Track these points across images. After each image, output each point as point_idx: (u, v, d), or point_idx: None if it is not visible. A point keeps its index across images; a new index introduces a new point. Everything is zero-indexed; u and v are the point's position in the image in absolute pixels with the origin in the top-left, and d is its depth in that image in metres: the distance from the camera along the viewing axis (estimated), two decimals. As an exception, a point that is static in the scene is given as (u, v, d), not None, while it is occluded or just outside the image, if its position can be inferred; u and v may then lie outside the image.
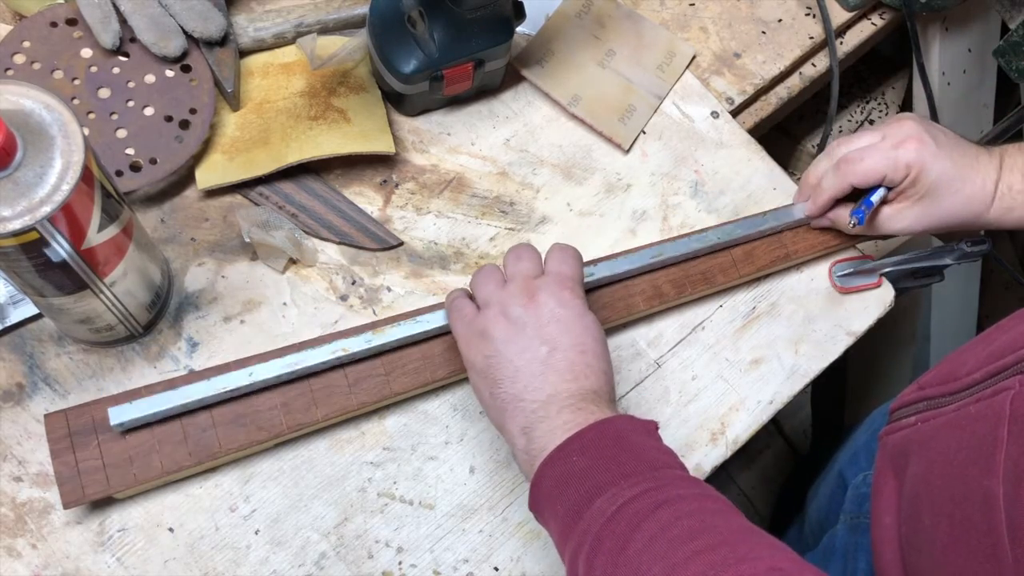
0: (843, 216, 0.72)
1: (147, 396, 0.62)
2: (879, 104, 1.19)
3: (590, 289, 0.70)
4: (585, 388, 0.57)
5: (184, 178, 0.74)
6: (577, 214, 0.78)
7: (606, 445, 0.54)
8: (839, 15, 0.92)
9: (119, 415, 0.61)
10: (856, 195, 0.72)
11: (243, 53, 0.77)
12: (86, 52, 0.72)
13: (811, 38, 0.90)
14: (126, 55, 0.73)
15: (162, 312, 0.69)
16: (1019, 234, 1.41)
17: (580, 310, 0.59)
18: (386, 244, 0.74)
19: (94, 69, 0.72)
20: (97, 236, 0.56)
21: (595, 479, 0.52)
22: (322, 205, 0.74)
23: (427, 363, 0.67)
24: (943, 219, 0.70)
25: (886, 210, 0.71)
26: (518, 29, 0.76)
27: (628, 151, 0.81)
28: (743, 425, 0.72)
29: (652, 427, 0.57)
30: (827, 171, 0.72)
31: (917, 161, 0.67)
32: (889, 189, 0.70)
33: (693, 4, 0.89)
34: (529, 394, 0.56)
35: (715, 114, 0.84)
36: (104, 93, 0.71)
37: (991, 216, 0.69)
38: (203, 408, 0.63)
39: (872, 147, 0.69)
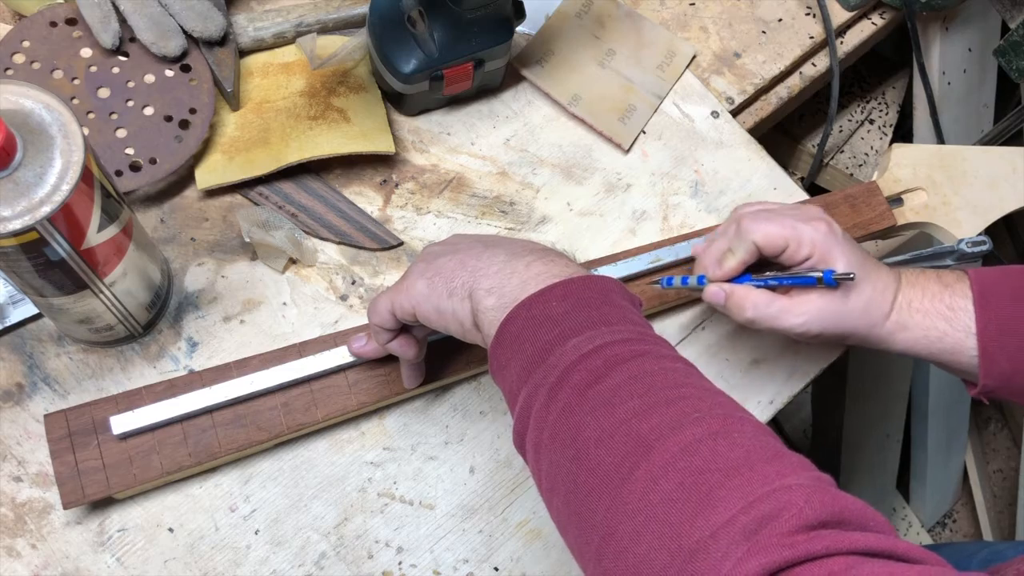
0: (739, 296, 0.62)
1: (148, 401, 0.62)
2: (879, 104, 1.19)
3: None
4: (546, 248, 0.54)
5: (184, 178, 0.74)
6: (577, 214, 0.78)
7: (591, 297, 0.49)
8: (839, 15, 0.92)
9: (121, 425, 0.61)
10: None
11: (243, 53, 0.77)
12: (86, 52, 0.72)
13: (811, 38, 0.90)
14: (126, 55, 0.73)
15: (162, 312, 0.69)
16: (1019, 234, 1.41)
17: None
18: (386, 244, 0.74)
19: (94, 69, 0.72)
20: (97, 236, 0.56)
21: (574, 322, 0.48)
22: (322, 205, 0.74)
23: (426, 363, 0.67)
24: (844, 322, 0.61)
25: (782, 302, 0.61)
26: (518, 29, 0.76)
27: (628, 151, 0.81)
28: (743, 425, 0.72)
29: (638, 301, 0.53)
30: (732, 233, 0.64)
31: (823, 244, 0.61)
32: (783, 281, 0.62)
33: (693, 4, 0.89)
34: (486, 263, 0.53)
35: (715, 114, 0.84)
36: (104, 93, 0.71)
37: (883, 331, 0.62)
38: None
39: (777, 213, 0.63)
